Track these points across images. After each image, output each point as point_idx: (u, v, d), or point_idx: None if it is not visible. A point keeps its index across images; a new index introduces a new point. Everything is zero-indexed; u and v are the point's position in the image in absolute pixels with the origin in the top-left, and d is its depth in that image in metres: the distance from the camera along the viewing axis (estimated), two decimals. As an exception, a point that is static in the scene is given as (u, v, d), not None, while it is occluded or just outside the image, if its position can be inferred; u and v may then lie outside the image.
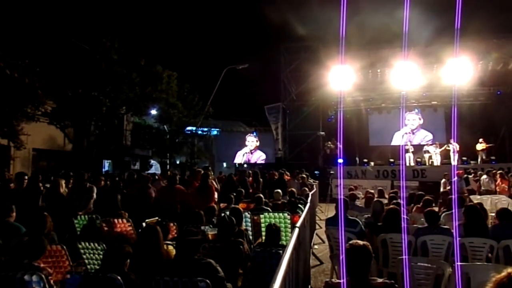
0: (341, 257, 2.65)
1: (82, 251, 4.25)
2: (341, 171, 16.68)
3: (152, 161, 24.59)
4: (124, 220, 5.42)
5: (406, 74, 16.98)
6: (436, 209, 6.30)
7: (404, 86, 17.60)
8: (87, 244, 4.24)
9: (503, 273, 1.58)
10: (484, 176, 12.23)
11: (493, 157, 16.85)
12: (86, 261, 4.27)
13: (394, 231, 4.74)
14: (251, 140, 25.30)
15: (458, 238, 4.36)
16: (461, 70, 16.29)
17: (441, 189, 11.84)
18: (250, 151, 25.34)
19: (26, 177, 6.71)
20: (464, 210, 4.94)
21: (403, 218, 5.33)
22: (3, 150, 14.72)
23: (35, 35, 14.26)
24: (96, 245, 4.19)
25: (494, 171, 12.61)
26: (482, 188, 11.95)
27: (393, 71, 17.74)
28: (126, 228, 5.37)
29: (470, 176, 12.27)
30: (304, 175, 11.94)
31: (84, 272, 3.88)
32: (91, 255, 4.25)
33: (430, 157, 17.65)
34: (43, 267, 3.22)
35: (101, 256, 3.94)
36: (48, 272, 3.14)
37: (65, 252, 3.95)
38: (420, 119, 20.31)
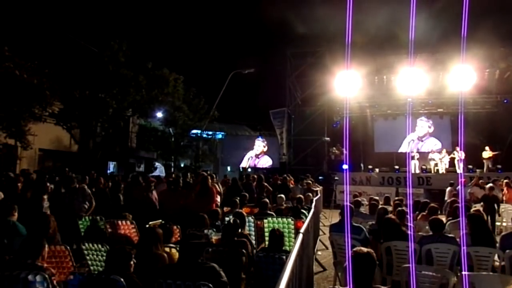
0: (346, 264, 2.63)
1: (85, 252, 4.27)
2: (347, 177, 16.60)
3: (157, 164, 24.68)
4: (128, 222, 5.44)
5: (412, 81, 16.92)
6: (442, 217, 6.24)
7: (410, 93, 17.53)
8: (90, 245, 4.25)
9: None
10: (491, 185, 12.08)
11: (499, 166, 16.68)
12: (90, 262, 4.28)
13: (396, 239, 4.70)
14: (258, 145, 25.28)
15: (464, 246, 4.31)
16: (467, 78, 16.20)
17: (446, 197, 11.74)
18: (256, 155, 25.30)
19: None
20: (467, 219, 4.89)
21: (409, 226, 5.28)
22: (10, 150, 14.86)
23: (44, 37, 14.46)
24: (100, 246, 4.20)
25: (501, 181, 12.44)
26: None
27: (399, 78, 17.69)
28: (130, 230, 5.39)
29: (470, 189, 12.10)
30: (309, 181, 11.90)
31: (87, 273, 3.89)
32: (95, 256, 4.26)
33: (436, 165, 17.53)
34: (47, 267, 3.23)
35: (104, 258, 3.95)
36: (52, 272, 3.15)
37: (68, 253, 3.97)
38: (429, 127, 20.17)
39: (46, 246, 3.38)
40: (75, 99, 15.50)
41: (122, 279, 2.85)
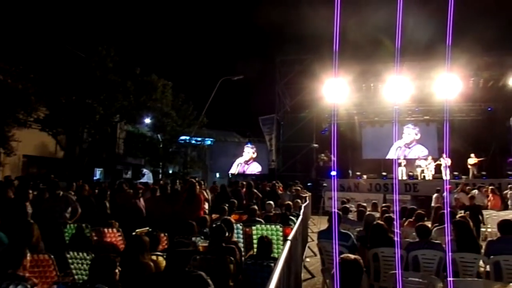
0: (334, 271, 2.62)
1: (70, 261, 4.17)
2: (335, 184, 16.69)
3: (145, 170, 24.42)
4: (114, 230, 5.35)
5: (399, 89, 17.21)
6: (428, 223, 6.31)
7: (397, 101, 17.81)
8: (75, 253, 4.16)
9: None
10: (476, 191, 12.32)
11: (484, 173, 17.01)
12: (74, 271, 4.18)
13: (383, 245, 4.74)
14: (248, 151, 25.27)
15: (450, 252, 4.36)
16: (453, 86, 16.56)
17: (433, 204, 11.89)
18: (245, 162, 25.27)
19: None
20: (453, 226, 4.96)
21: (396, 232, 5.32)
22: (-7, 156, 14.54)
23: (30, 41, 14.24)
24: (85, 254, 4.11)
25: (486, 188, 12.67)
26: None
27: (386, 86, 17.97)
28: (116, 238, 5.30)
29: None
30: (298, 187, 11.93)
31: (72, 282, 3.80)
32: (80, 265, 4.17)
33: (422, 171, 17.78)
34: (29, 277, 3.15)
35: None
36: (34, 282, 3.07)
37: (52, 262, 3.87)
38: (416, 134, 20.50)
39: (28, 255, 3.29)
40: (61, 105, 15.26)
41: (107, 288, 2.79)
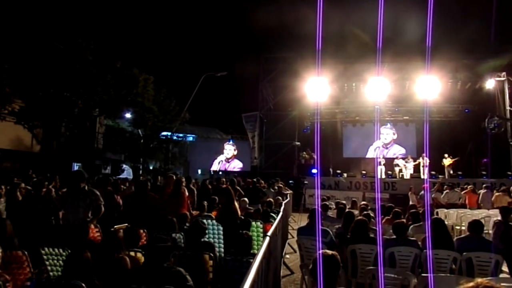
0: (315, 266, 2.65)
1: (45, 257, 4.06)
2: (318, 182, 16.87)
3: (124, 166, 24.02)
4: (92, 226, 5.26)
5: (380, 89, 17.54)
6: (405, 221, 6.46)
7: (378, 101, 18.16)
8: (51, 250, 4.06)
9: (471, 283, 1.62)
10: (448, 190, 12.69)
11: (460, 172, 17.53)
12: (49, 267, 4.08)
13: (362, 242, 4.82)
14: (229, 148, 25.26)
15: (430, 250, 4.48)
16: (432, 88, 17.00)
17: (410, 202, 12.18)
18: (227, 159, 25.26)
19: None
20: (430, 223, 5.09)
21: (377, 230, 5.43)
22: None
23: (5, 31, 13.74)
24: (61, 251, 4.02)
25: (461, 187, 13.04)
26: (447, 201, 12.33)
27: (367, 86, 18.28)
28: (94, 234, 5.21)
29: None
30: (281, 184, 11.99)
31: (46, 279, 3.72)
32: (55, 261, 4.07)
33: (400, 170, 18.19)
34: (1, 273, 3.06)
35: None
36: (6, 278, 2.99)
37: (26, 258, 3.77)
38: (394, 134, 20.94)
39: (0, 251, 3.20)
40: (38, 97, 14.81)
41: (83, 284, 2.74)
